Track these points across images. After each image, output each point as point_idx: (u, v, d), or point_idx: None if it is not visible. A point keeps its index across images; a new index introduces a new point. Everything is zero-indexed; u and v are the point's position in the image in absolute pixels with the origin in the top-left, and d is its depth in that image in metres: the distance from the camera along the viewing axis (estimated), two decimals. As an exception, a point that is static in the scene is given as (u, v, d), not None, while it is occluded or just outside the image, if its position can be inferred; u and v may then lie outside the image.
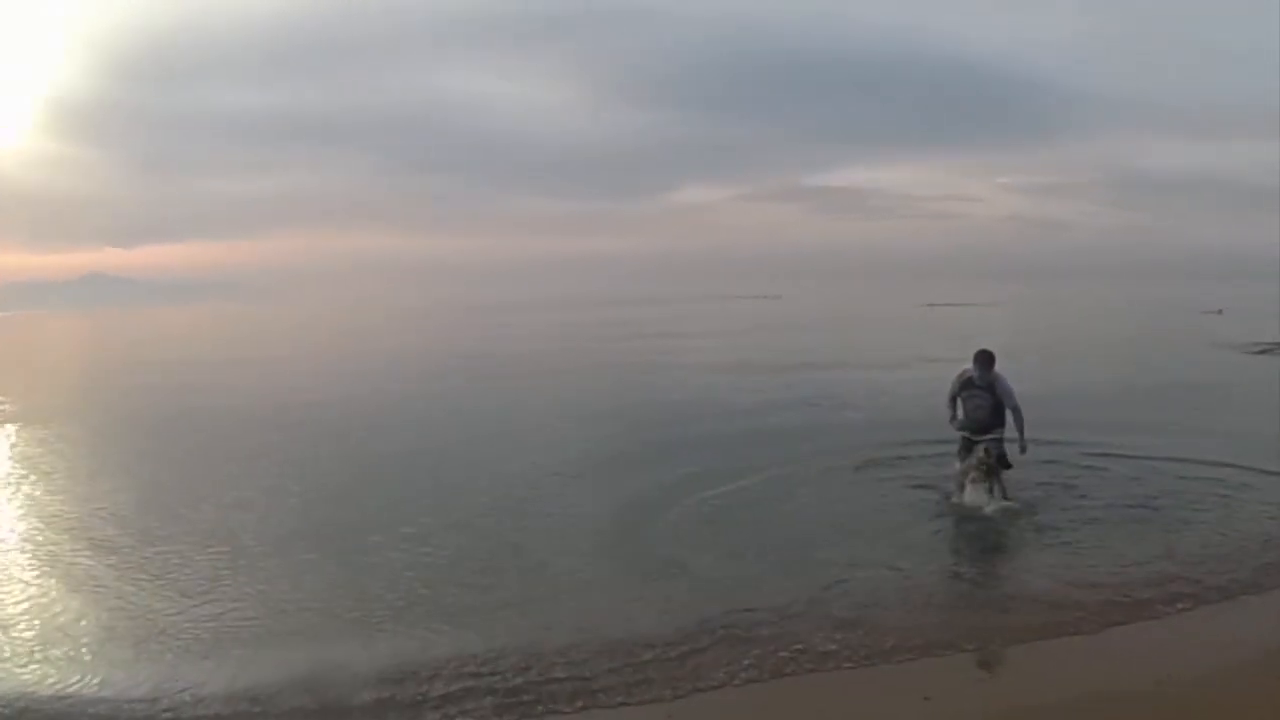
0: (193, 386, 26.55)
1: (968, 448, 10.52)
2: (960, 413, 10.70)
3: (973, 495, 10.19)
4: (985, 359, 10.54)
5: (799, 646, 6.74)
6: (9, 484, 13.44)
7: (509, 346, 39.00)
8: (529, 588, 8.35)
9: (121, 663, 6.95)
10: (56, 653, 7.15)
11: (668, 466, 13.12)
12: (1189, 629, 7.07)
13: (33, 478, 13.78)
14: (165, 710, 6.16)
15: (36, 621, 7.81)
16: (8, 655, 7.12)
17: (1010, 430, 10.54)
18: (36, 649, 7.21)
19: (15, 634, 7.52)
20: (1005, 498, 10.18)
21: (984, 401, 10.52)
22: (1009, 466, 10.32)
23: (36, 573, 9.18)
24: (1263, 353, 29.03)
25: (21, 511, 11.67)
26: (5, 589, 8.64)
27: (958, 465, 10.58)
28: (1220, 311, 54.29)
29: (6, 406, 22.48)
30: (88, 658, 7.06)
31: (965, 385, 10.66)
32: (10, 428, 18.61)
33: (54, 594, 8.53)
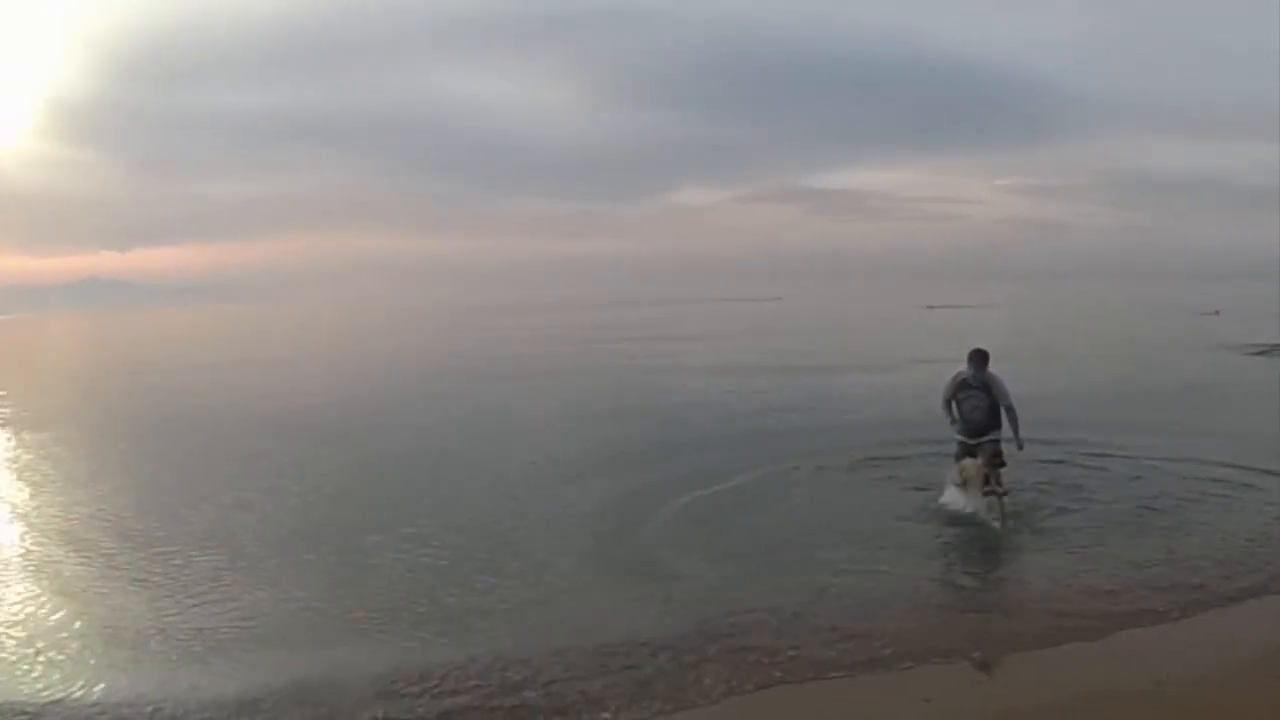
0: (190, 389, 26.58)
1: (966, 451, 10.42)
2: (956, 415, 10.57)
3: (971, 503, 10.01)
4: (980, 357, 10.42)
5: (798, 653, 6.71)
6: (7, 487, 13.41)
7: (507, 348, 38.96)
8: (527, 590, 8.34)
9: (119, 666, 6.94)
10: (53, 656, 7.13)
11: (663, 466, 13.24)
12: (1189, 630, 7.06)
13: (31, 481, 13.74)
14: (162, 714, 6.13)
15: (33, 624, 7.79)
16: (4, 659, 7.10)
17: (1005, 430, 10.50)
18: (33, 652, 7.19)
19: (12, 637, 7.50)
20: (1004, 513, 9.83)
21: (980, 402, 10.41)
22: (1003, 464, 10.08)
23: (34, 575, 9.16)
24: (1260, 354, 29.05)
25: (19, 514, 11.63)
26: (2, 591, 8.62)
27: (955, 468, 10.51)
28: (1217, 312, 54.32)
29: (4, 410, 22.44)
30: (85, 661, 7.04)
31: (961, 387, 10.51)
32: (8, 431, 18.58)
33: (52, 596, 8.50)
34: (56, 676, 6.76)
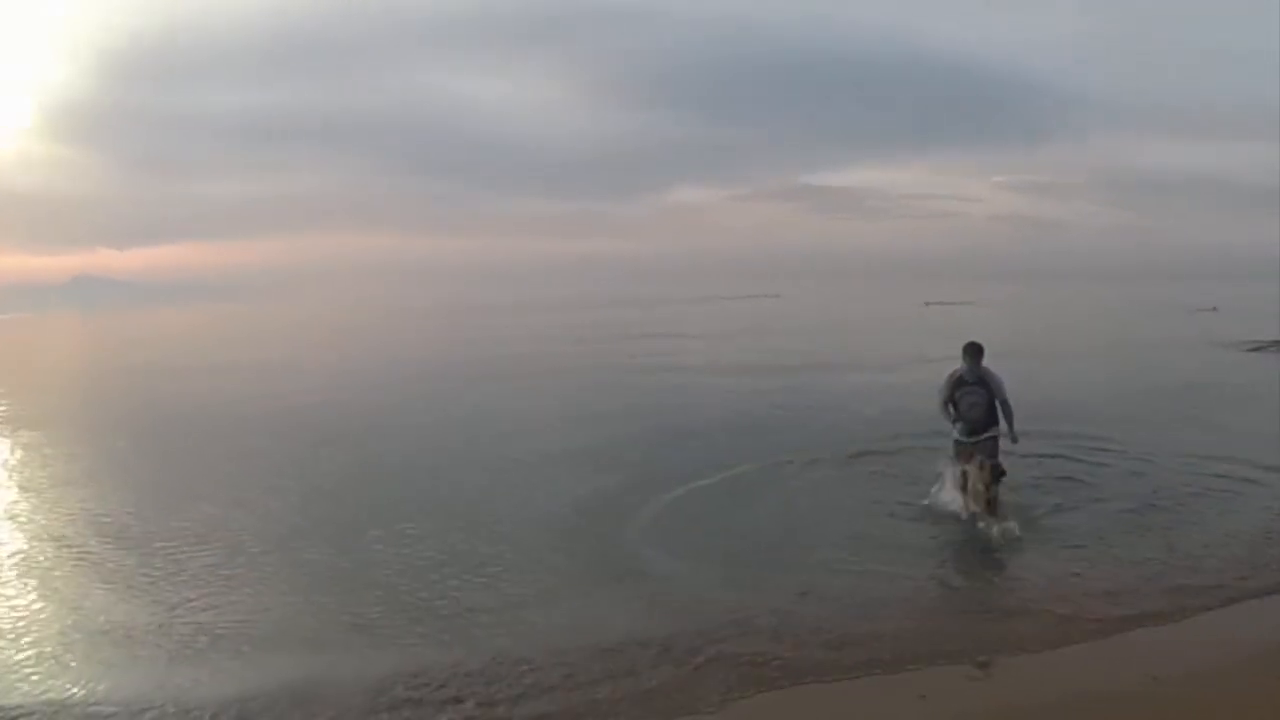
0: (188, 388, 26.46)
1: (963, 450, 10.33)
2: (955, 415, 10.44)
3: (967, 510, 9.83)
4: (976, 350, 10.35)
5: (797, 654, 6.68)
6: (3, 486, 13.36)
7: (506, 348, 38.87)
8: (525, 588, 8.33)
9: (117, 665, 6.94)
10: (50, 655, 7.12)
11: (658, 461, 13.42)
12: (1189, 630, 7.05)
13: (26, 480, 13.73)
14: (159, 715, 6.12)
15: (29, 623, 7.78)
16: (-1, 659, 7.07)
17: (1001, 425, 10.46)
18: (25, 653, 7.17)
19: (5, 636, 7.49)
20: (1005, 519, 9.60)
21: (979, 399, 10.32)
22: (1004, 473, 9.82)
23: (30, 573, 9.14)
24: (1256, 350, 29.10)
25: (14, 513, 11.59)
26: (-1, 591, 8.59)
27: (950, 469, 10.43)
28: (1215, 309, 54.38)
29: (1, 409, 22.39)
30: (82, 660, 7.03)
31: (958, 384, 10.41)
32: (4, 430, 18.55)
33: (48, 594, 8.50)
34: (53, 676, 6.75)
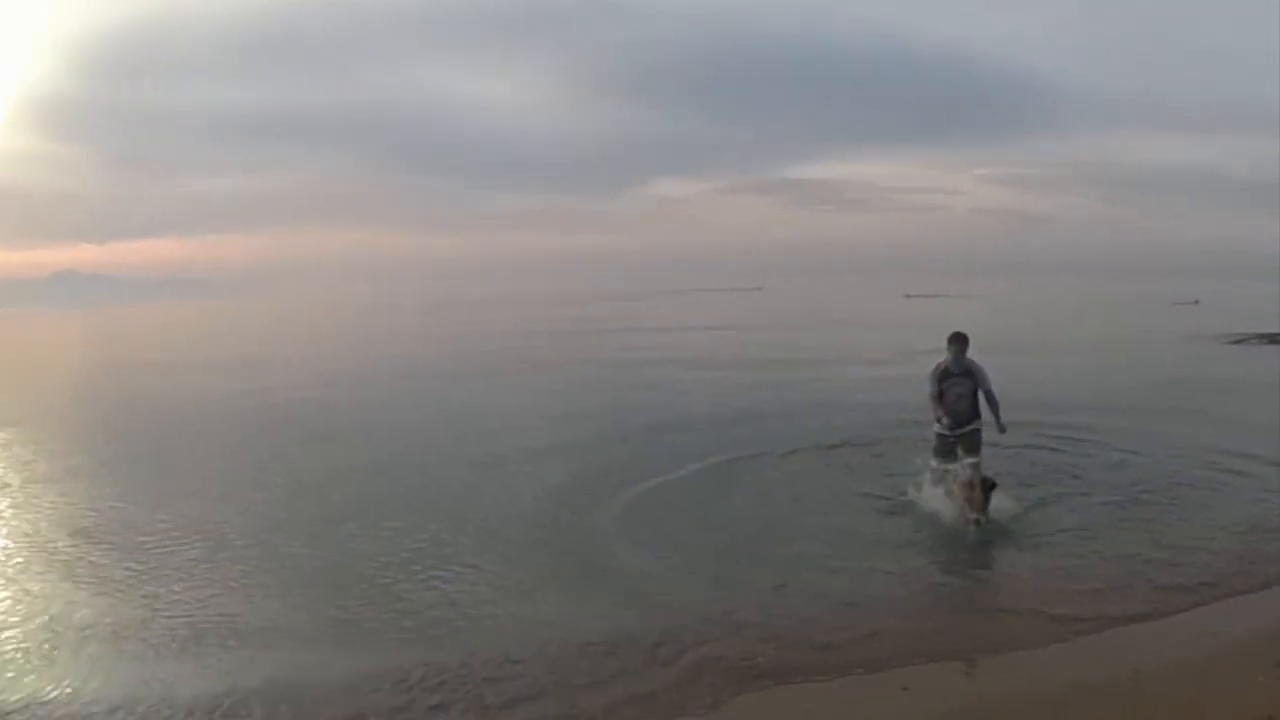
0: (171, 386, 26.20)
1: (947, 447, 10.23)
2: (941, 408, 10.25)
3: (950, 512, 9.55)
4: (962, 340, 10.17)
5: (779, 655, 6.61)
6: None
7: (490, 343, 38.73)
8: (510, 584, 8.30)
9: (97, 663, 6.87)
10: (31, 652, 7.06)
11: (639, 452, 13.49)
12: (1172, 623, 7.05)
13: (3, 478, 13.50)
14: (140, 714, 6.07)
15: (5, 620, 7.69)
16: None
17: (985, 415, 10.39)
18: (6, 649, 7.10)
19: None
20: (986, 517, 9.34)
21: (965, 390, 10.18)
22: (995, 485, 9.48)
23: (8, 570, 9.04)
24: (1236, 343, 29.25)
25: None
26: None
27: (933, 464, 10.34)
28: (1196, 302, 54.77)
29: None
30: (62, 658, 6.96)
31: (944, 376, 10.26)
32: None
33: (28, 592, 8.40)
34: (36, 673, 6.70)
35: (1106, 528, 9.22)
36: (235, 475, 12.99)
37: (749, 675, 6.33)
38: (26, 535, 10.22)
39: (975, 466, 9.59)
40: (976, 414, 10.22)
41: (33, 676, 6.65)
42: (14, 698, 6.33)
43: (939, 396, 10.26)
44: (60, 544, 9.81)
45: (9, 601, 8.16)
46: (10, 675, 6.69)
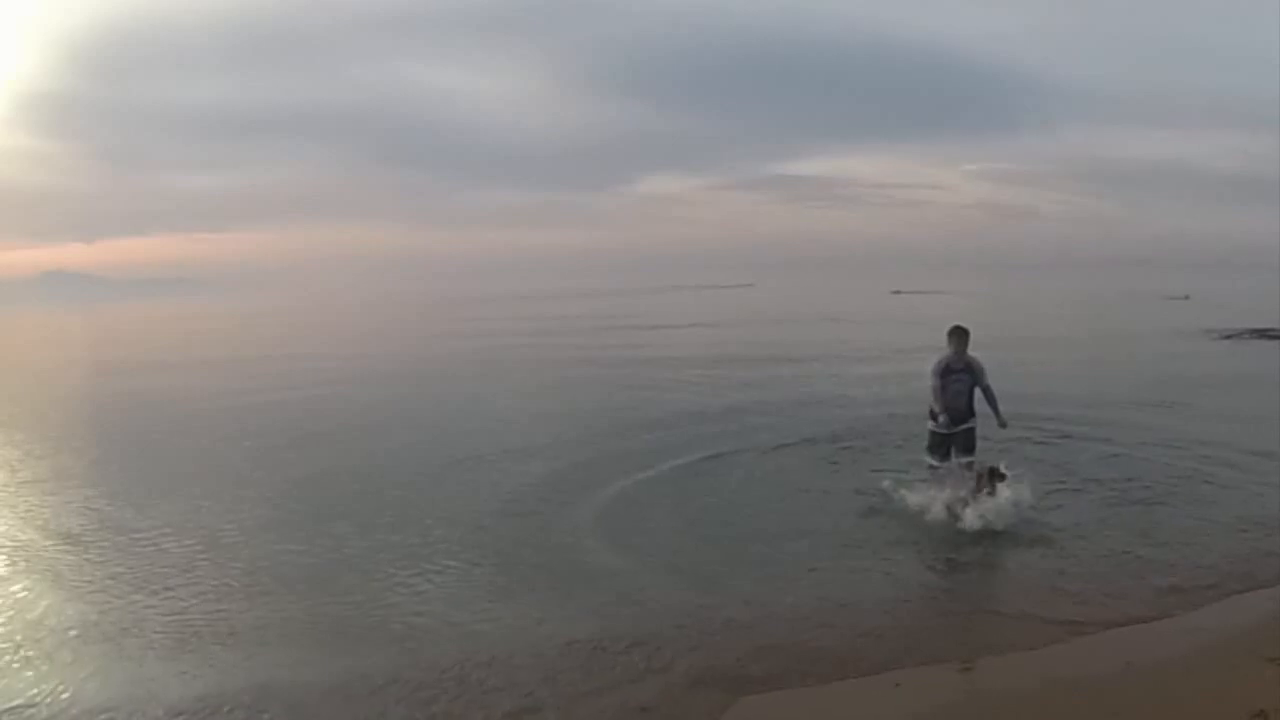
0: (162, 386, 26.06)
1: (942, 445, 10.11)
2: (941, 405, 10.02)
3: (948, 500, 9.37)
4: (963, 335, 9.98)
5: (772, 659, 6.51)
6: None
7: (477, 341, 38.64)
8: (498, 582, 8.23)
9: (85, 664, 6.80)
10: (19, 653, 6.99)
11: (626, 448, 13.42)
12: (1162, 616, 7.04)
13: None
14: (127, 715, 6.01)
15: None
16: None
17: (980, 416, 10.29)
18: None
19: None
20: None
21: (964, 386, 9.95)
22: (1003, 478, 9.33)
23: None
24: (1228, 338, 29.32)
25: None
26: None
27: (925, 461, 10.23)
28: (1187, 297, 55.00)
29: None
30: (49, 659, 6.90)
31: (946, 372, 10.00)
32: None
33: (16, 593, 8.32)
34: (23, 675, 6.63)
35: (1100, 524, 9.17)
36: (225, 475, 12.88)
37: (744, 683, 6.23)
38: (15, 538, 10.09)
39: (970, 466, 9.50)
40: (972, 411, 10.07)
41: (22, 677, 6.59)
42: (4, 698, 6.28)
43: (940, 392, 10.08)
44: (48, 545, 9.73)
45: (2, 602, 8.09)
46: (3, 676, 6.64)
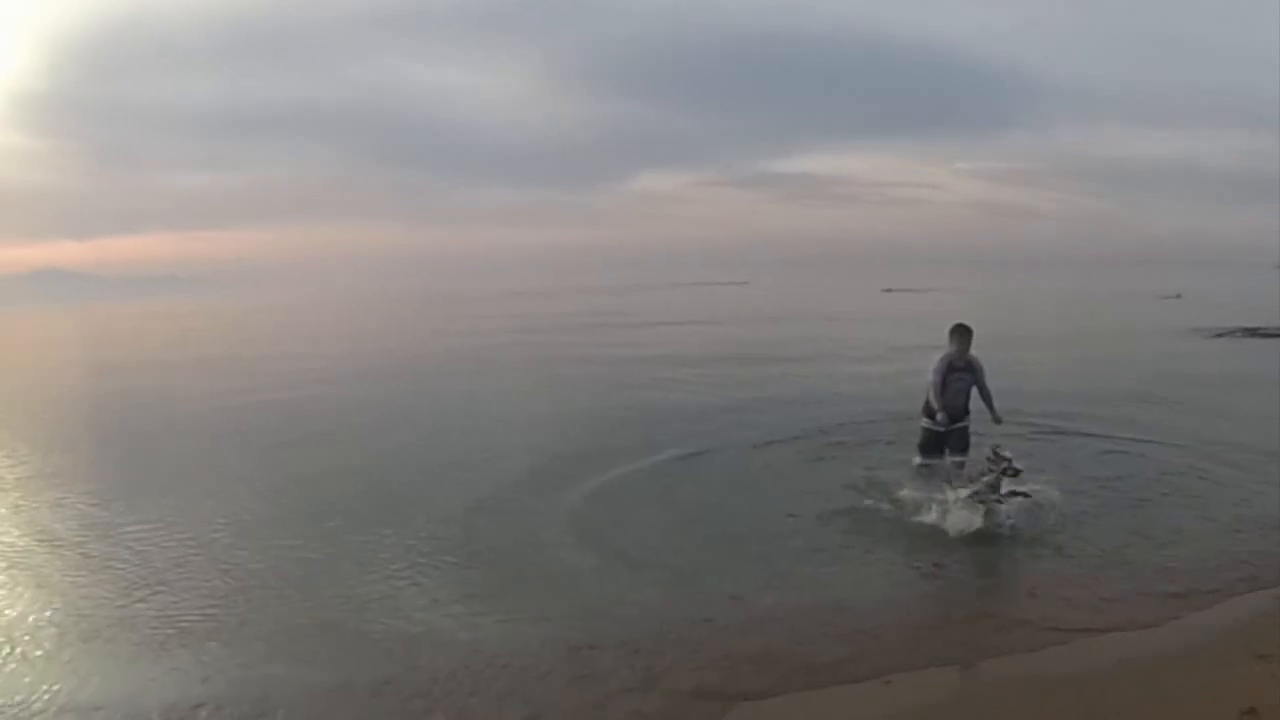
0: (152, 384, 26.03)
1: (936, 443, 10.09)
2: (940, 403, 9.96)
3: (966, 515, 9.04)
4: (967, 332, 9.96)
5: (764, 668, 6.45)
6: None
7: (473, 339, 38.59)
8: (491, 580, 8.25)
9: (79, 661, 6.82)
10: (12, 650, 7.00)
11: (616, 444, 13.47)
12: (1160, 622, 6.98)
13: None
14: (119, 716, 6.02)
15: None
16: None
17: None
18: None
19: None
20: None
21: (965, 385, 9.95)
22: (1018, 472, 9.13)
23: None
24: (1219, 336, 29.37)
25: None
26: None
27: (916, 460, 10.22)
28: (1179, 296, 55.03)
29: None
30: (43, 657, 6.91)
31: (949, 370, 9.98)
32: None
33: (9, 589, 8.36)
34: (13, 676, 6.61)
35: (1093, 523, 9.14)
36: (217, 475, 12.84)
37: (739, 690, 6.18)
38: (3, 538, 10.06)
39: (962, 465, 9.50)
40: (967, 410, 10.08)
41: (15, 676, 6.58)
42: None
43: (941, 390, 10.02)
44: (39, 545, 9.71)
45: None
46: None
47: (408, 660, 6.70)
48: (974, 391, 10.08)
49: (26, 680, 6.52)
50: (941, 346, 10.13)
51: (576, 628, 7.16)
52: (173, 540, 9.62)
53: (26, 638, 7.24)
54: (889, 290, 76.24)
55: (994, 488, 9.08)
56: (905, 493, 9.76)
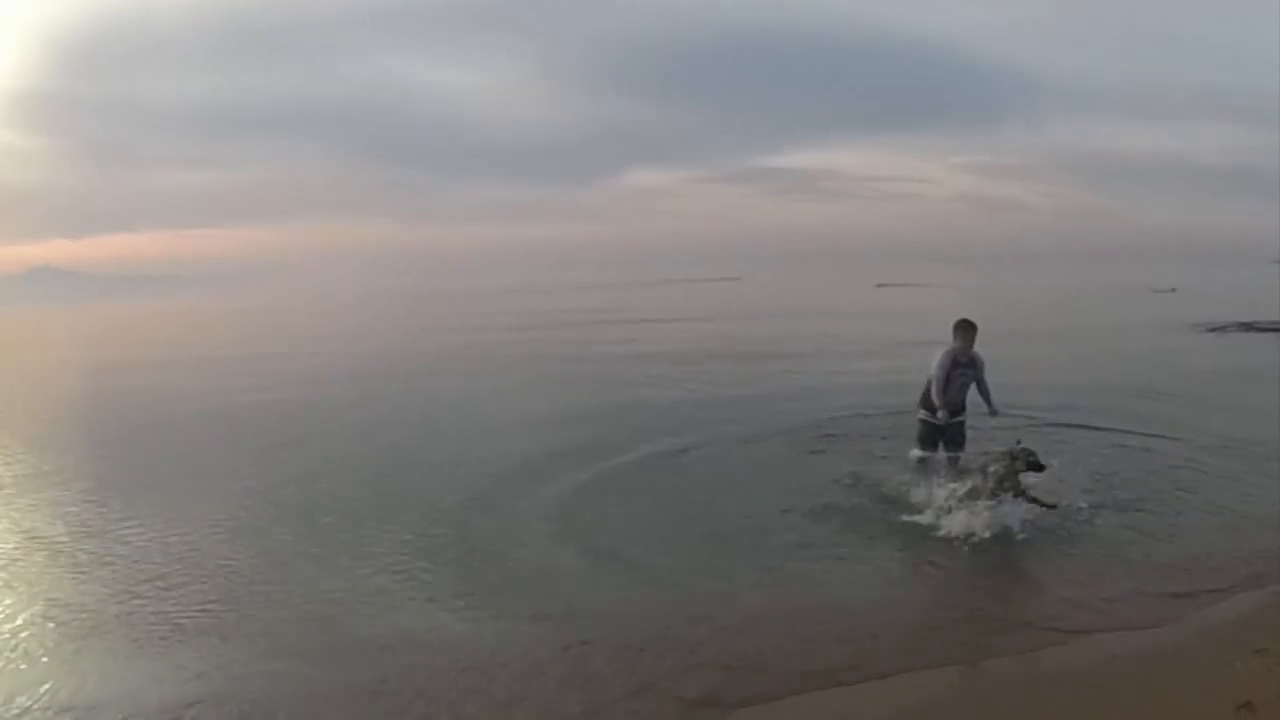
0: (156, 385, 25.94)
1: (933, 437, 10.07)
2: (943, 398, 9.94)
3: (963, 513, 8.86)
4: (971, 328, 9.98)
5: (760, 672, 6.39)
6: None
7: (464, 336, 38.51)
8: (487, 578, 8.24)
9: (77, 659, 6.84)
10: (9, 648, 7.01)
11: (607, 439, 13.51)
12: (1160, 622, 6.96)
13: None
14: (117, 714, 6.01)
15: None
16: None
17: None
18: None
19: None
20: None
21: (968, 381, 9.96)
22: (1042, 468, 9.00)
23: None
24: (1213, 331, 29.39)
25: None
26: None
27: (913, 453, 10.19)
28: (1174, 290, 55.13)
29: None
30: (45, 654, 6.93)
31: (953, 365, 9.99)
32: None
33: (7, 586, 8.37)
34: (13, 675, 6.61)
35: (1093, 519, 9.08)
36: (213, 473, 12.84)
37: (736, 695, 6.12)
38: (10, 531, 10.15)
39: (956, 460, 9.49)
40: (964, 406, 10.09)
41: (13, 676, 6.58)
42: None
43: (944, 385, 9.99)
44: (34, 544, 9.68)
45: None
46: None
47: (407, 658, 6.69)
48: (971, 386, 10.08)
49: (26, 679, 6.52)
50: (941, 342, 10.12)
51: (574, 626, 7.13)
52: (170, 538, 9.62)
53: (25, 636, 7.24)
54: (882, 285, 76.30)
55: (1001, 481, 8.93)
56: (900, 488, 9.76)
